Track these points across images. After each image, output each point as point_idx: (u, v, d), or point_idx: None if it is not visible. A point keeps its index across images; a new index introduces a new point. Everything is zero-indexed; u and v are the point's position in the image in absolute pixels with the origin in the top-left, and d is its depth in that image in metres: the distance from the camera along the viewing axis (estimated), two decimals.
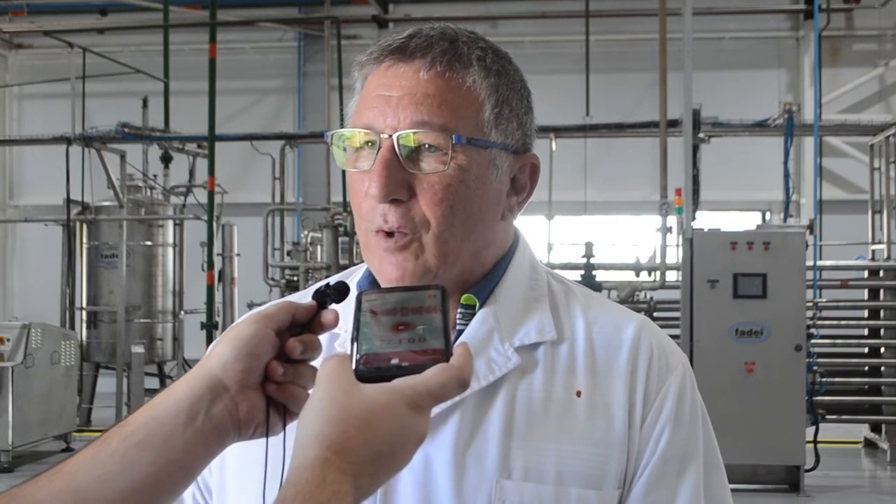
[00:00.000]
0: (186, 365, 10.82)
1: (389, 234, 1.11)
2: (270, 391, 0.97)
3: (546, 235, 10.80)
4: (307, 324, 1.00)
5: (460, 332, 1.14)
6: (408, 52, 1.11)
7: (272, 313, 0.98)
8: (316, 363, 0.97)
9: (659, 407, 1.13)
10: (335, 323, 1.01)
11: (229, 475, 1.18)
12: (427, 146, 1.08)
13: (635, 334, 1.16)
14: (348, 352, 0.91)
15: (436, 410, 1.06)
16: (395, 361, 0.89)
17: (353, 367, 0.89)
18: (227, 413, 0.95)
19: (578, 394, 1.12)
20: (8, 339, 8.25)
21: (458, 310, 1.15)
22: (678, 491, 1.12)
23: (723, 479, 1.19)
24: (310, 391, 0.97)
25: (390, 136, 1.08)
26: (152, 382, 10.87)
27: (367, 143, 1.11)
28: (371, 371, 0.89)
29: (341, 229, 9.97)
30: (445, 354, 0.89)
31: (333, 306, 1.02)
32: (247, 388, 0.96)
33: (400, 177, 1.08)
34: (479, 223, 1.13)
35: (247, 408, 0.96)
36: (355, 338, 0.92)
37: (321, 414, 0.85)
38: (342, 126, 1.16)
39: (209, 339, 8.33)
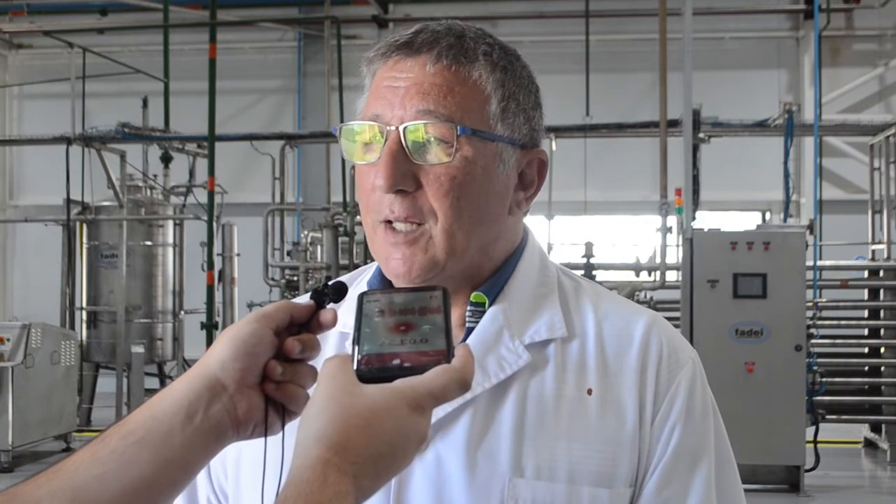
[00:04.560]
0: (186, 365, 10.81)
1: (397, 229, 1.11)
2: (269, 390, 0.97)
3: (546, 235, 10.79)
4: (306, 323, 1.00)
5: (470, 330, 1.14)
6: (414, 46, 1.12)
7: (270, 312, 0.98)
8: (314, 363, 0.97)
9: (669, 404, 1.13)
10: (333, 322, 1.00)
11: (230, 474, 1.18)
12: (433, 138, 1.09)
13: (645, 331, 1.16)
14: (350, 352, 0.91)
15: (447, 408, 1.07)
16: (396, 362, 0.89)
17: (355, 367, 0.89)
18: (225, 412, 0.95)
19: (589, 391, 1.12)
20: (8, 339, 8.24)
21: (468, 307, 1.15)
22: (690, 486, 1.12)
23: (735, 474, 1.19)
24: (308, 391, 0.97)
25: (397, 127, 1.09)
26: (152, 382, 10.86)
27: (375, 135, 1.11)
28: (372, 371, 0.88)
29: (341, 229, 9.97)
30: (447, 355, 0.89)
31: (331, 306, 1.01)
32: (245, 387, 0.96)
33: (406, 168, 1.09)
34: (487, 216, 1.13)
35: (245, 407, 0.96)
36: (357, 338, 0.92)
37: (322, 414, 0.84)
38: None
39: (209, 339, 8.32)
